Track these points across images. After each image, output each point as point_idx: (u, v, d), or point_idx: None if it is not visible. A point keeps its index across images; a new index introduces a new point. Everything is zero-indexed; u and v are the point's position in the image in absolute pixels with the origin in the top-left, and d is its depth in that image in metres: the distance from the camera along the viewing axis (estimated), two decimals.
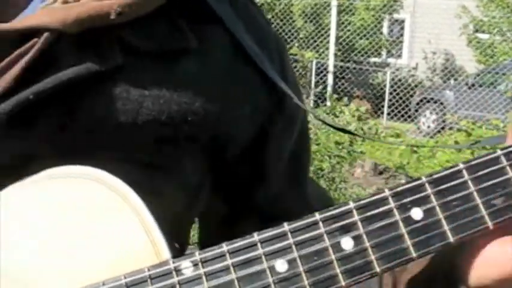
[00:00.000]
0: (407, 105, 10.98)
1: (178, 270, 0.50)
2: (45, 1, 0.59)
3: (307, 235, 0.51)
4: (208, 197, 0.69)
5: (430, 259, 0.58)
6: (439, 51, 12.71)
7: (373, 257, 0.50)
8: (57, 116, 0.57)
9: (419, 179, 0.52)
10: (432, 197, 0.51)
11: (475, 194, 0.51)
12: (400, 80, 11.54)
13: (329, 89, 11.17)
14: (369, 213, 0.51)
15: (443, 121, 10.11)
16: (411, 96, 11.07)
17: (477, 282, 0.53)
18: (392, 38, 13.28)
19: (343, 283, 0.49)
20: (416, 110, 10.81)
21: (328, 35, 11.42)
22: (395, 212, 0.51)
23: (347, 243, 0.50)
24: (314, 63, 11.28)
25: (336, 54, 11.35)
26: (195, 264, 0.50)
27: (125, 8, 0.58)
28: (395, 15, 12.67)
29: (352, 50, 11.95)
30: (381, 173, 6.43)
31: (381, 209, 0.51)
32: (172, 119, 0.61)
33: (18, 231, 0.53)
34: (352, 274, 0.50)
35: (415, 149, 7.53)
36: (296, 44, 11.42)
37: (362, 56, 12.03)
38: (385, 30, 13.13)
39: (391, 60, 13.31)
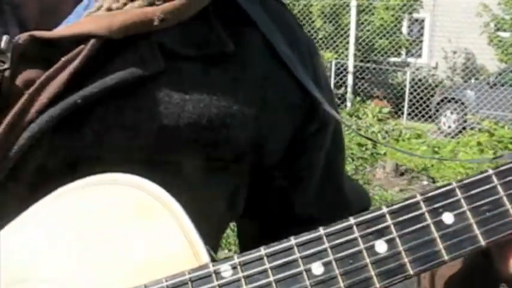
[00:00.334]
0: (427, 105, 10.89)
1: (218, 273, 0.51)
2: (89, 9, 0.61)
3: (342, 239, 0.52)
4: (244, 204, 0.70)
5: (464, 259, 0.59)
6: (460, 50, 12.59)
7: (406, 260, 0.51)
8: (102, 119, 0.58)
9: (449, 184, 0.53)
10: (463, 202, 0.52)
11: (505, 198, 0.52)
12: (420, 80, 11.46)
13: (349, 89, 11.12)
14: (401, 218, 0.52)
15: (465, 121, 10.01)
16: (431, 96, 10.98)
17: None
18: (412, 38, 13.19)
19: (377, 285, 0.51)
20: (437, 110, 10.70)
21: (348, 36, 11.36)
22: (427, 216, 0.52)
23: (381, 247, 0.52)
24: (333, 63, 11.25)
25: (355, 55, 11.30)
26: (234, 268, 0.52)
27: (168, 15, 0.60)
28: (415, 15, 12.58)
29: (372, 50, 11.89)
30: (402, 174, 6.38)
31: (413, 214, 0.52)
32: (211, 122, 0.62)
33: (62, 235, 0.55)
34: (386, 276, 0.51)
35: (436, 149, 7.47)
36: None
37: (382, 56, 11.96)
38: (404, 29, 13.04)
39: (411, 59, 13.21)
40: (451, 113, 10.50)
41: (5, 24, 0.58)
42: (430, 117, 10.77)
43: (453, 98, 10.62)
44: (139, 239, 0.54)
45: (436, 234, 0.52)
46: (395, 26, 11.91)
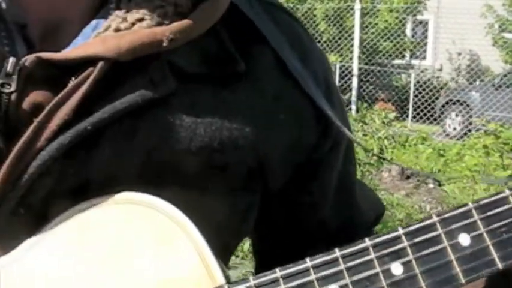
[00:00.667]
0: (432, 108, 10.89)
1: None
2: (97, 29, 0.59)
3: (358, 261, 0.52)
4: (255, 223, 0.70)
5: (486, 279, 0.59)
6: (464, 52, 12.60)
7: (423, 284, 0.51)
8: (113, 143, 0.57)
9: (465, 205, 0.53)
10: (479, 223, 0.52)
11: None
12: (425, 82, 11.46)
13: (354, 92, 11.11)
14: (417, 239, 0.52)
15: (470, 123, 9.99)
16: (436, 98, 10.97)
17: None
18: (417, 40, 13.19)
19: None
20: (442, 112, 10.70)
21: (352, 38, 11.36)
22: (444, 237, 0.52)
23: (397, 269, 0.51)
24: (338, 66, 11.24)
25: (359, 57, 11.29)
26: None
27: (177, 34, 0.58)
28: (419, 17, 12.58)
29: (376, 53, 11.89)
30: (408, 177, 6.37)
31: (429, 235, 0.52)
32: (223, 145, 0.61)
33: (73, 261, 0.55)
34: None
35: (441, 152, 7.44)
36: None
37: (386, 58, 11.96)
38: (408, 31, 13.04)
39: (415, 62, 13.21)
40: (456, 115, 10.49)
41: (12, 43, 0.58)
42: (435, 119, 10.77)
43: (458, 100, 10.61)
44: (156, 260, 0.54)
45: (452, 257, 0.51)
46: (399, 28, 11.91)
